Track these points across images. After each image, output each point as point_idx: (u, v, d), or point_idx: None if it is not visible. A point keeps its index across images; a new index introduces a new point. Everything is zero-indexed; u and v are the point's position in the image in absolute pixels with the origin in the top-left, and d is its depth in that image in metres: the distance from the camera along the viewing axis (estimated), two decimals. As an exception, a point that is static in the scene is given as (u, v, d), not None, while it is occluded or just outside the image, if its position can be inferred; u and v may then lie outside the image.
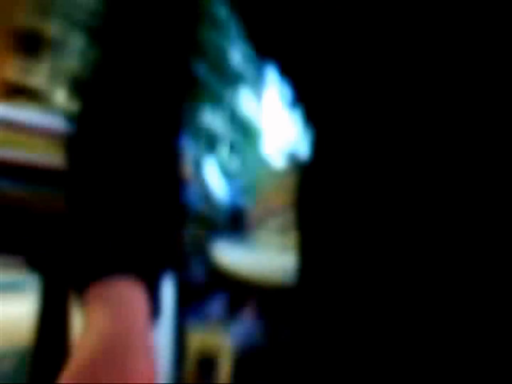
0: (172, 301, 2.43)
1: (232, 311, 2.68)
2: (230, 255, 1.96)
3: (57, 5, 2.57)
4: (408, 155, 0.62)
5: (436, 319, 0.63)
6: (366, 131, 0.64)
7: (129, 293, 0.55)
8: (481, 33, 0.59)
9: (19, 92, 2.29)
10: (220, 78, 3.04)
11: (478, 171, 0.60)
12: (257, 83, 3.21)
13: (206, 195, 2.46)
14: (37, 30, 2.43)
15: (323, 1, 0.67)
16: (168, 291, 2.40)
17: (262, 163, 3.07)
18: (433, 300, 0.63)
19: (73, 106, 0.70)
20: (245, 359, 2.50)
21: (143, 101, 0.66)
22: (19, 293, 2.06)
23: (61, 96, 2.38)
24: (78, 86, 0.69)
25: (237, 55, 3.05)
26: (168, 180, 0.67)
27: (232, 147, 3.18)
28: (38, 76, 2.46)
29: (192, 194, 2.51)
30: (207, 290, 2.75)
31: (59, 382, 0.52)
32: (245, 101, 3.22)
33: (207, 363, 2.57)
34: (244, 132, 3.19)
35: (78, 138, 0.66)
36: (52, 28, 2.52)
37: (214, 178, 2.65)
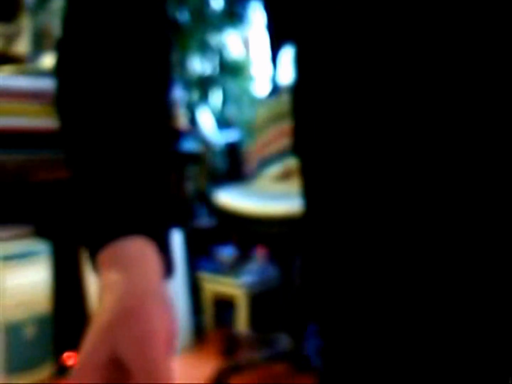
0: (183, 250, 2.46)
1: (243, 255, 2.71)
2: (234, 200, 1.97)
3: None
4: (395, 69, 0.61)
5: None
6: (349, 45, 0.63)
7: (141, 252, 0.55)
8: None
9: (4, 61, 2.26)
10: (204, 23, 2.99)
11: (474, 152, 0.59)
12: (241, 23, 3.16)
13: (204, 142, 2.46)
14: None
15: None
16: (178, 241, 2.43)
17: (253, 100, 3.05)
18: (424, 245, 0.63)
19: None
20: (259, 298, 2.55)
21: (126, 48, 0.64)
22: (34, 261, 2.08)
23: (47, 59, 2.35)
24: (60, 39, 0.66)
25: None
26: (163, 131, 0.66)
27: (224, 91, 3.16)
28: (21, 41, 2.42)
29: (189, 142, 2.51)
30: (216, 236, 2.78)
31: (82, 345, 0.55)
32: (232, 42, 3.17)
33: (223, 305, 2.62)
34: (234, 74, 3.16)
35: (67, 93, 0.64)
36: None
37: (210, 124, 2.64)
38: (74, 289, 2.19)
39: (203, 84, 3.09)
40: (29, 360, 2.06)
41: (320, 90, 0.68)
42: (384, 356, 0.70)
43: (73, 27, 0.66)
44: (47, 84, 2.07)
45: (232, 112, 3.11)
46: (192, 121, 2.74)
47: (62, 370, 2.15)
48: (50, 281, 2.14)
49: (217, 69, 3.16)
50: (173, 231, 0.62)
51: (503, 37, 0.59)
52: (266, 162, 2.37)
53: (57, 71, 0.66)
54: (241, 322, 2.49)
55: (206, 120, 2.65)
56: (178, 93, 2.49)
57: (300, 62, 0.72)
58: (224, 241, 2.76)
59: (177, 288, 2.42)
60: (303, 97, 0.73)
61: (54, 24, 2.79)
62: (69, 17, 0.67)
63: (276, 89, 2.59)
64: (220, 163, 2.54)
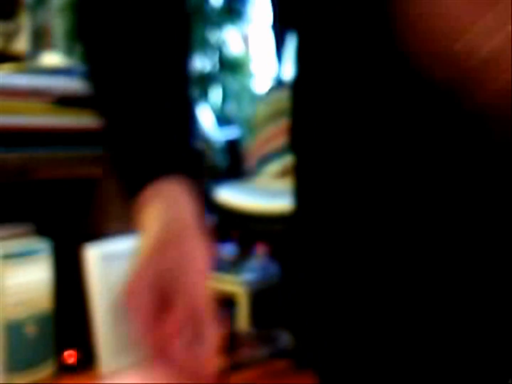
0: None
1: (243, 252, 2.71)
2: (234, 198, 1.96)
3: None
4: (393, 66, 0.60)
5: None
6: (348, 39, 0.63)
7: (179, 190, 0.62)
8: None
9: (3, 59, 2.26)
10: (203, 20, 2.98)
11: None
12: (241, 19, 3.15)
13: (203, 139, 2.46)
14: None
15: None
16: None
17: (252, 97, 3.05)
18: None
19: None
20: (260, 296, 2.55)
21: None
22: (34, 260, 2.08)
23: (47, 57, 2.35)
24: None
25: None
26: (186, 84, 0.70)
27: (224, 88, 3.16)
28: (20, 39, 2.42)
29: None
30: (217, 233, 2.78)
31: (131, 271, 0.63)
32: (231, 39, 3.17)
33: (224, 303, 2.62)
34: (234, 71, 3.16)
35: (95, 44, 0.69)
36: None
37: (210, 121, 2.64)
38: (74, 287, 2.19)
39: (203, 81, 3.08)
40: (30, 359, 2.06)
41: (319, 87, 0.69)
42: (379, 358, 0.69)
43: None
44: (47, 82, 2.06)
45: (232, 109, 3.11)
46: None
47: (63, 369, 2.15)
48: (50, 280, 2.14)
49: (217, 66, 3.16)
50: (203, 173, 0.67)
51: None
52: (266, 159, 2.37)
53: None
54: (242, 319, 2.49)
55: (206, 117, 2.64)
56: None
57: (300, 58, 0.73)
58: (224, 239, 2.76)
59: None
60: (301, 93, 0.74)
61: (54, 22, 2.78)
62: None
63: (280, 84, 2.58)
64: (220, 160, 2.54)
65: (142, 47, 0.67)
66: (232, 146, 2.55)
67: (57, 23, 2.81)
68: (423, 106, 0.60)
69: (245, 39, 3.23)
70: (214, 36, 3.09)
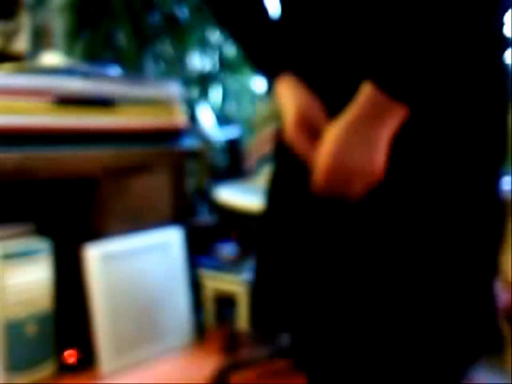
0: (185, 248, 2.46)
1: (244, 251, 2.71)
2: (234, 197, 1.96)
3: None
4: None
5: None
6: None
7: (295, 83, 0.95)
8: None
9: (3, 59, 2.26)
10: (203, 20, 2.98)
11: None
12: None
13: (204, 139, 2.45)
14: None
15: None
16: (179, 240, 2.42)
17: (252, 97, 3.05)
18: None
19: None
20: (261, 294, 2.55)
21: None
22: (34, 259, 2.08)
23: (46, 57, 2.35)
24: None
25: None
26: None
27: (224, 87, 3.15)
28: (20, 39, 2.42)
29: (189, 139, 2.50)
30: (217, 233, 2.78)
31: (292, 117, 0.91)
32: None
33: (224, 302, 2.62)
34: (234, 70, 3.15)
35: None
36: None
37: (210, 120, 2.64)
38: (75, 287, 2.19)
39: (203, 81, 3.08)
40: (30, 358, 2.06)
41: None
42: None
43: None
44: (47, 82, 2.06)
45: (232, 108, 3.10)
46: (192, 117, 2.73)
47: (63, 369, 2.15)
48: (51, 280, 2.14)
49: (217, 65, 3.15)
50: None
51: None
52: (266, 159, 2.37)
53: None
54: (242, 319, 2.49)
55: (206, 116, 2.64)
56: (178, 90, 2.48)
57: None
58: (224, 238, 2.76)
59: (178, 285, 2.42)
60: None
61: (54, 22, 2.78)
62: None
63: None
64: (220, 160, 2.53)
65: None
66: (232, 146, 2.55)
67: (57, 23, 2.81)
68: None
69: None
70: (214, 36, 3.09)
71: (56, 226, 2.23)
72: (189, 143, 2.49)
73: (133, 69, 2.81)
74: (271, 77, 1.00)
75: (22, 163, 1.96)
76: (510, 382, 1.88)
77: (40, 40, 2.60)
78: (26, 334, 2.05)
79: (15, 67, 2.10)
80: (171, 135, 2.44)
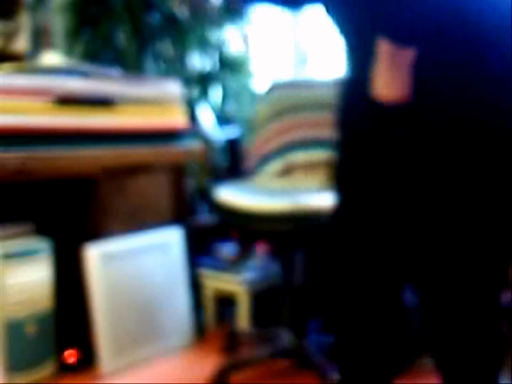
0: (185, 248, 2.46)
1: (244, 251, 2.71)
2: (234, 197, 1.96)
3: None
4: None
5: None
6: None
7: None
8: None
9: (3, 59, 2.26)
10: (203, 20, 2.98)
11: None
12: (240, 19, 3.15)
13: (204, 139, 2.45)
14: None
15: None
16: (179, 240, 2.42)
17: (252, 97, 3.05)
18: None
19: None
20: (261, 295, 2.55)
21: None
22: (35, 259, 2.08)
23: (46, 57, 2.35)
24: None
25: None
26: None
27: (224, 87, 3.15)
28: (20, 39, 2.42)
29: (189, 139, 2.50)
30: (217, 233, 2.78)
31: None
32: (231, 38, 3.17)
33: (225, 302, 2.62)
34: (234, 70, 3.15)
35: None
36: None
37: (210, 120, 2.64)
38: (75, 287, 2.19)
39: (203, 81, 3.08)
40: (31, 358, 2.06)
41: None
42: None
43: None
44: (47, 82, 2.06)
45: (232, 108, 3.10)
46: (192, 117, 2.73)
47: (63, 368, 2.15)
48: (51, 279, 2.14)
49: (217, 65, 3.15)
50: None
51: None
52: (266, 159, 2.37)
53: None
54: (243, 318, 2.49)
55: (206, 116, 2.64)
56: (179, 90, 2.48)
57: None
58: (225, 238, 2.76)
59: (178, 285, 2.42)
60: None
61: (54, 22, 2.78)
62: None
63: (280, 84, 2.57)
64: (220, 160, 2.53)
65: None
66: (232, 146, 2.55)
67: (57, 23, 2.81)
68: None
69: (245, 39, 3.22)
70: (214, 35, 3.09)
71: (56, 226, 2.23)
72: (189, 143, 2.49)
73: (133, 69, 2.81)
74: None
75: (22, 163, 1.96)
76: (510, 382, 1.88)
77: (40, 40, 2.60)
78: (26, 334, 2.05)
79: (15, 67, 2.10)
80: (171, 135, 2.44)
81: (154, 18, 2.94)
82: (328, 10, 1.26)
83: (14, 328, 2.02)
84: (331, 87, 2.39)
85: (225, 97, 3.13)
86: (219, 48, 3.14)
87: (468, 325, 1.10)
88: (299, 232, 1.87)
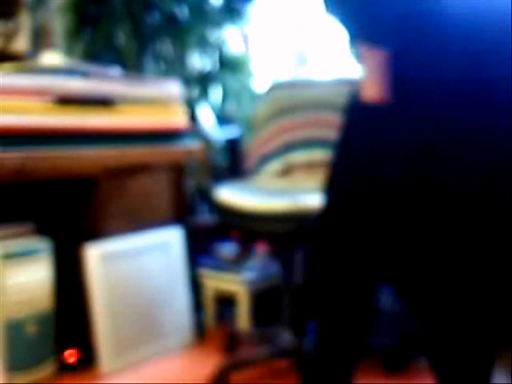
0: (185, 248, 2.46)
1: (244, 251, 2.71)
2: (234, 197, 1.96)
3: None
4: None
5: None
6: None
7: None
8: None
9: (3, 58, 2.26)
10: (203, 19, 2.98)
11: None
12: (240, 18, 3.15)
13: (204, 138, 2.45)
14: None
15: None
16: (179, 239, 2.42)
17: (252, 97, 3.05)
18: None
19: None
20: (261, 295, 2.55)
21: None
22: (35, 259, 2.08)
23: (46, 57, 2.35)
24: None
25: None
26: None
27: (224, 87, 3.15)
28: (20, 39, 2.42)
29: (189, 139, 2.50)
30: (217, 233, 2.78)
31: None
32: (231, 38, 3.17)
33: (225, 302, 2.62)
34: (234, 70, 3.15)
35: None
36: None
37: (210, 120, 2.64)
38: (75, 287, 2.19)
39: (203, 80, 3.08)
40: (31, 358, 2.06)
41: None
42: None
43: None
44: (47, 82, 2.06)
45: (232, 108, 3.10)
46: (192, 117, 2.73)
47: (64, 368, 2.15)
48: (51, 279, 2.14)
49: (217, 65, 3.15)
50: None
51: None
52: (266, 159, 2.37)
53: None
54: (243, 318, 2.49)
55: (206, 116, 2.64)
56: (179, 90, 2.48)
57: None
58: (225, 238, 2.76)
59: (178, 285, 2.42)
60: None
61: (54, 22, 2.78)
62: None
63: (280, 83, 2.57)
64: (220, 160, 2.53)
65: None
66: (232, 146, 2.55)
67: (57, 23, 2.81)
68: None
69: (245, 39, 3.22)
70: (214, 35, 3.09)
71: (56, 226, 2.23)
72: (189, 143, 2.49)
73: (133, 69, 2.81)
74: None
75: (22, 163, 1.96)
76: (510, 382, 1.88)
77: (40, 40, 2.60)
78: (26, 334, 2.05)
79: (15, 67, 2.10)
80: (171, 135, 2.44)
81: (154, 18, 2.94)
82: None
83: (14, 328, 2.02)
84: (331, 87, 2.39)
85: (225, 97, 3.13)
86: (219, 48, 3.14)
87: (465, 327, 1.10)
88: (299, 232, 1.87)
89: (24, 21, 2.45)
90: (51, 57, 2.38)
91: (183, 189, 2.51)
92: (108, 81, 2.26)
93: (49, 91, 2.06)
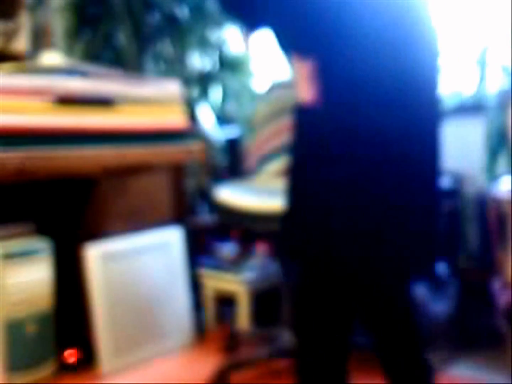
0: (185, 248, 2.46)
1: (244, 251, 2.71)
2: (234, 197, 1.96)
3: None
4: None
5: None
6: None
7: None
8: None
9: (3, 59, 2.26)
10: (203, 19, 2.98)
11: None
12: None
13: (204, 138, 2.45)
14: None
15: None
16: (179, 239, 2.42)
17: (252, 97, 3.05)
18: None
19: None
20: (261, 295, 2.55)
21: None
22: (35, 259, 2.08)
23: (46, 57, 2.35)
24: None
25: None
26: None
27: (224, 87, 3.15)
28: (20, 39, 2.42)
29: (189, 139, 2.50)
30: (217, 232, 2.78)
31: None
32: (231, 38, 3.17)
33: (225, 301, 2.62)
34: (234, 70, 3.15)
35: None
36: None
37: (210, 120, 2.64)
38: (75, 287, 2.19)
39: (203, 80, 3.08)
40: (31, 358, 2.06)
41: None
42: None
43: None
44: (47, 82, 2.06)
45: (232, 108, 3.10)
46: (192, 117, 2.73)
47: (63, 368, 2.15)
48: (51, 279, 2.14)
49: (217, 65, 3.16)
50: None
51: None
52: (266, 159, 2.37)
53: None
54: (243, 318, 2.49)
55: (206, 116, 2.64)
56: (178, 90, 2.48)
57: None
58: (225, 238, 2.76)
59: (178, 285, 2.42)
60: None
61: (54, 22, 2.78)
62: None
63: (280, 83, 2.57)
64: (220, 160, 2.53)
65: None
66: (232, 146, 2.55)
67: (57, 23, 2.81)
68: None
69: (245, 39, 3.22)
70: (214, 35, 3.09)
71: (56, 226, 2.23)
72: (189, 143, 2.49)
73: (133, 69, 2.81)
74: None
75: (22, 163, 1.96)
76: (510, 382, 1.88)
77: (40, 40, 2.60)
78: (26, 334, 2.05)
79: (15, 67, 2.10)
80: (171, 135, 2.44)
81: (154, 18, 2.94)
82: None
83: (14, 328, 2.02)
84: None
85: (225, 97, 3.13)
86: (219, 48, 3.14)
87: (403, 353, 1.38)
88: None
89: (24, 21, 2.45)
90: (51, 57, 2.37)
91: (183, 189, 2.51)
92: (108, 81, 2.26)
93: (49, 91, 2.06)
